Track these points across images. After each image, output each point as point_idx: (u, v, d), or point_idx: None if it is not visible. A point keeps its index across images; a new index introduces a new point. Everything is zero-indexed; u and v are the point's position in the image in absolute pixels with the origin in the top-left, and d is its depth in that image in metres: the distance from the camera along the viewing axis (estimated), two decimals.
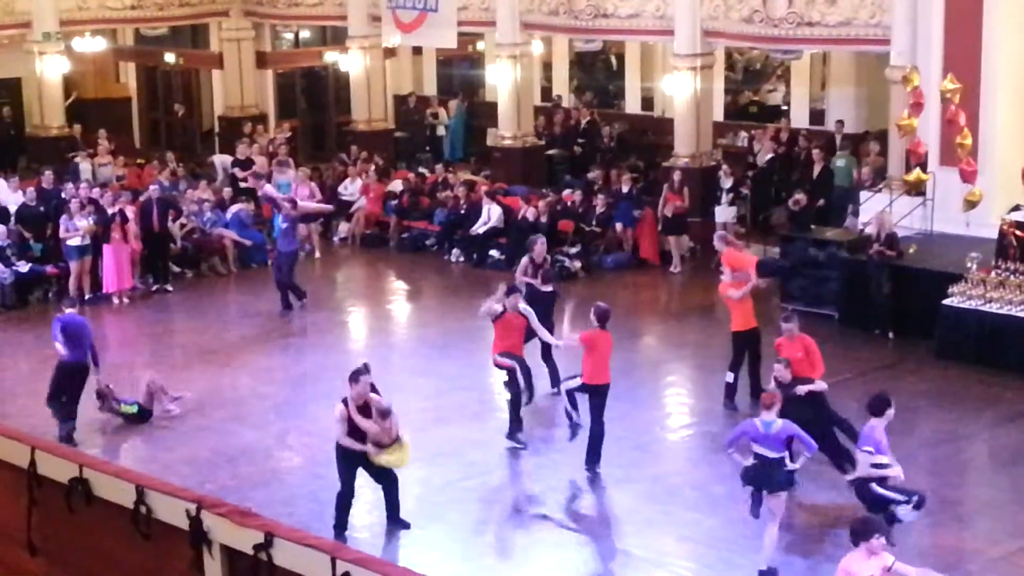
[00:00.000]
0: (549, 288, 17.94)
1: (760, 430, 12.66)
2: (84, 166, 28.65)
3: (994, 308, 18.68)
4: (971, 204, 20.46)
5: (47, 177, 25.64)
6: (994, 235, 19.65)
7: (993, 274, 19.03)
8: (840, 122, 26.93)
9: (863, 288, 20.31)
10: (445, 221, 26.35)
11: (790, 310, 16.91)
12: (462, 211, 25.96)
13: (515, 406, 15.94)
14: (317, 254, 25.78)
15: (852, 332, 19.87)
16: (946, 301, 19.00)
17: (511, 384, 15.96)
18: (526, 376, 16.28)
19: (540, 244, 18.79)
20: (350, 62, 31.55)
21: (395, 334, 22.16)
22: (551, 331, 16.98)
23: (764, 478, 12.65)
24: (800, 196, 23.15)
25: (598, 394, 15.23)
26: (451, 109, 33.47)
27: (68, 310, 17.06)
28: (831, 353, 15.18)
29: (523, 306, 16.21)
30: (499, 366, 16.21)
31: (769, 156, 26.26)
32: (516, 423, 15.94)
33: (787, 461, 12.67)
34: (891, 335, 19.91)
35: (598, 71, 33.86)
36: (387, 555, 13.11)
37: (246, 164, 28.12)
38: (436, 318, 22.27)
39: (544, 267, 18.50)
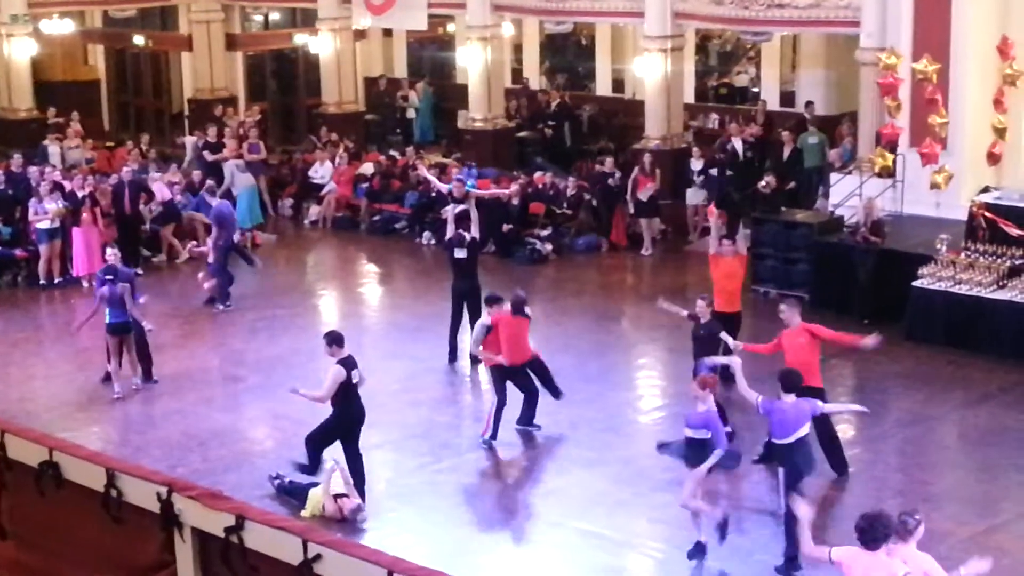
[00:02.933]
0: (463, 254, 18.47)
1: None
2: (53, 149, 28.48)
3: (963, 290, 18.74)
4: (945, 180, 20.49)
5: (16, 160, 25.47)
6: (963, 217, 19.73)
7: (963, 256, 19.11)
8: (810, 103, 26.92)
9: (835, 270, 20.32)
10: (416, 204, 26.29)
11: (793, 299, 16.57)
12: (433, 194, 25.87)
13: (499, 412, 15.57)
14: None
15: (823, 314, 19.87)
16: (916, 283, 19.07)
17: (498, 392, 15.57)
18: (546, 381, 16.06)
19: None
20: (320, 44, 31.43)
21: (366, 317, 22.13)
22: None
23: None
24: (770, 178, 23.19)
25: (517, 373, 15.61)
26: (419, 92, 33.41)
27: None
28: None
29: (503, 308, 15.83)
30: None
31: (740, 144, 26.00)
32: (496, 428, 15.61)
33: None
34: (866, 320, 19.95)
35: (569, 53, 33.82)
36: (359, 537, 13.10)
37: (216, 146, 28.01)
38: (408, 301, 22.24)
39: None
